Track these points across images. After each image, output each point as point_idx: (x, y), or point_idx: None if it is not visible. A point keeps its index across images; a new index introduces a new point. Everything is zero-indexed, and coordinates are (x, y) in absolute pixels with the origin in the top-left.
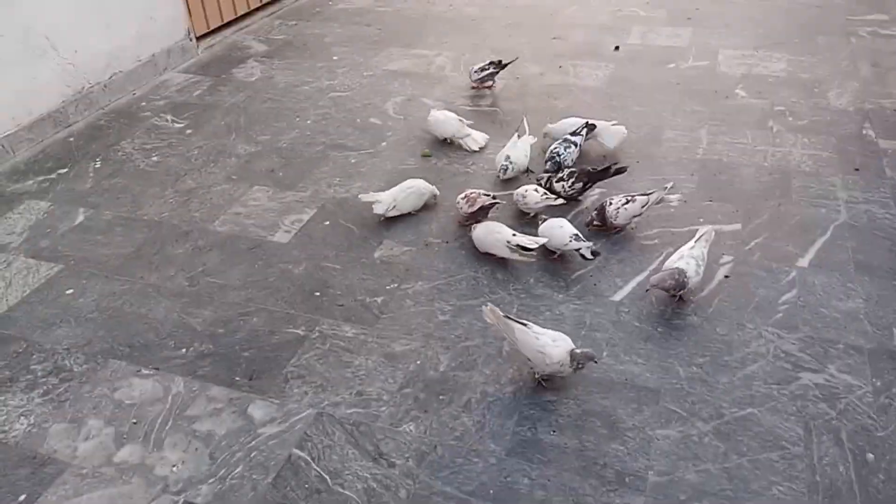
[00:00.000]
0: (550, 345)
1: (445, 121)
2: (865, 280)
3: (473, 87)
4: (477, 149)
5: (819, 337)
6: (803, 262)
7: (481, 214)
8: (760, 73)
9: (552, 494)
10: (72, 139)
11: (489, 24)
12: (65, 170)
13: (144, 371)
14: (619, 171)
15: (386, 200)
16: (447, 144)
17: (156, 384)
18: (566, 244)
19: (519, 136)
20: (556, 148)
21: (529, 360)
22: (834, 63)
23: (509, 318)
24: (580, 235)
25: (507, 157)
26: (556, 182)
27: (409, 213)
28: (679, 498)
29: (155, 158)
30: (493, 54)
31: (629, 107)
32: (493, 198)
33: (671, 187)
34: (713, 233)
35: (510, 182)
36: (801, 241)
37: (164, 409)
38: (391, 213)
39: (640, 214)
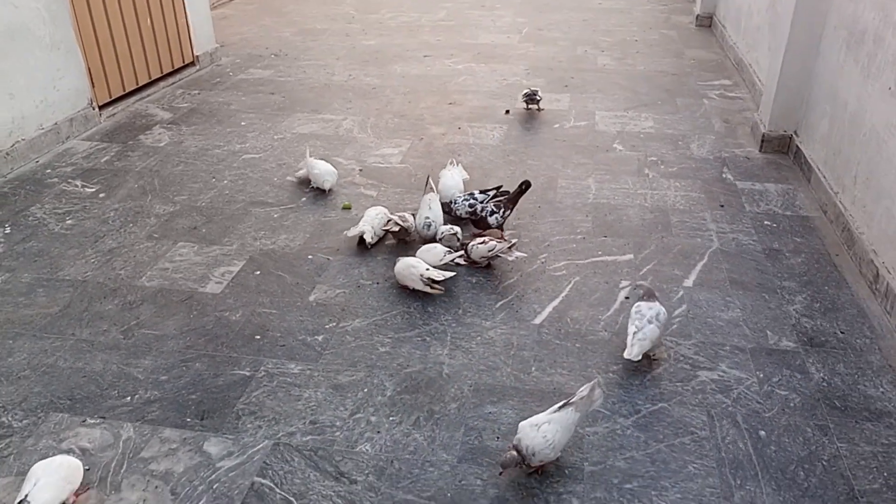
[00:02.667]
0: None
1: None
2: (740, 294)
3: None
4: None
5: (709, 342)
6: (688, 282)
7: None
8: (632, 129)
9: (504, 491)
10: None
11: (389, 91)
12: None
13: (90, 420)
14: (527, 186)
15: (369, 230)
16: (367, 197)
17: (104, 432)
18: (441, 258)
19: (425, 195)
20: (463, 199)
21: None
22: (692, 120)
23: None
24: (450, 250)
25: (427, 218)
26: (490, 216)
27: (343, 256)
28: (613, 482)
29: (69, 222)
30: (396, 118)
31: (525, 161)
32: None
33: (515, 243)
34: (594, 389)
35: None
36: (685, 266)
37: (117, 454)
38: (374, 241)
39: (488, 256)
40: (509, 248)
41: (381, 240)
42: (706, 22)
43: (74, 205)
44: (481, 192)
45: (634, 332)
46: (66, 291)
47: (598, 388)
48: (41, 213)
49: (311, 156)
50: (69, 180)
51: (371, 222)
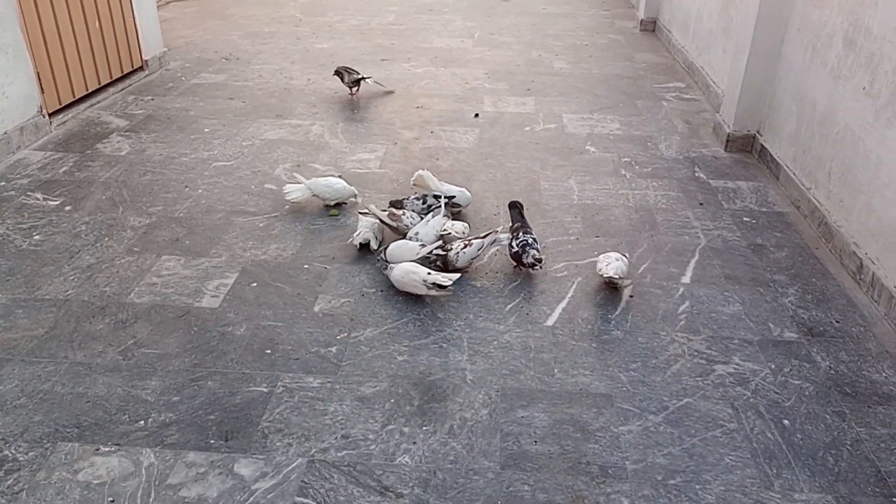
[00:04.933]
0: None
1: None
2: (736, 288)
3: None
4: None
5: (718, 336)
6: (686, 279)
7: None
8: (601, 131)
9: (553, 495)
10: None
11: (352, 95)
12: None
13: (104, 448)
14: (512, 205)
15: (372, 237)
16: (352, 204)
17: (122, 459)
18: (418, 253)
19: (434, 216)
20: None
21: None
22: (655, 122)
23: None
24: (423, 243)
25: (417, 233)
26: (530, 249)
27: (340, 264)
28: (657, 479)
29: (37, 237)
30: (366, 122)
31: (504, 164)
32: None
33: (502, 230)
34: None
35: None
36: (679, 263)
37: (142, 482)
38: (377, 245)
39: (477, 256)
40: (497, 237)
41: (379, 244)
42: (650, 27)
43: (39, 219)
44: (434, 196)
45: (608, 267)
46: (49, 312)
47: None
48: (3, 229)
49: (297, 174)
50: (28, 193)
51: (370, 227)
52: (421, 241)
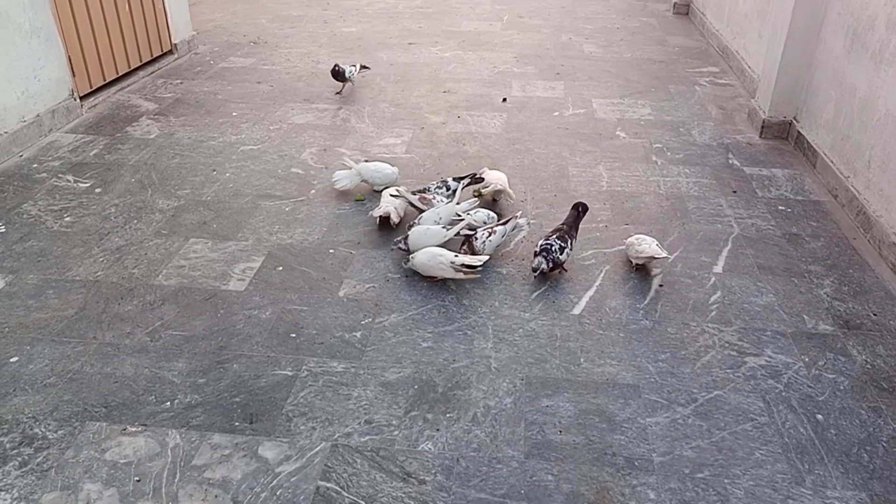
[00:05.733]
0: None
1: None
2: (770, 279)
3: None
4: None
5: (750, 327)
6: (718, 268)
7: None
8: (632, 117)
9: (577, 486)
10: None
11: (379, 79)
12: None
13: (131, 428)
14: (584, 209)
15: (394, 211)
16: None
17: (149, 440)
18: (445, 236)
19: (450, 201)
20: (436, 186)
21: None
22: (688, 107)
23: None
24: (448, 227)
25: (440, 216)
26: (562, 253)
27: (365, 249)
28: (684, 472)
29: (68, 219)
30: (393, 107)
31: (532, 149)
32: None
33: (521, 214)
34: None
35: None
36: (711, 252)
37: (168, 463)
38: (398, 220)
39: (502, 243)
40: (517, 222)
41: (400, 223)
42: (683, 10)
43: (70, 201)
44: (455, 179)
45: (651, 244)
46: (79, 293)
47: None
48: (36, 211)
49: (347, 158)
50: (59, 175)
51: (393, 202)
52: (440, 217)
